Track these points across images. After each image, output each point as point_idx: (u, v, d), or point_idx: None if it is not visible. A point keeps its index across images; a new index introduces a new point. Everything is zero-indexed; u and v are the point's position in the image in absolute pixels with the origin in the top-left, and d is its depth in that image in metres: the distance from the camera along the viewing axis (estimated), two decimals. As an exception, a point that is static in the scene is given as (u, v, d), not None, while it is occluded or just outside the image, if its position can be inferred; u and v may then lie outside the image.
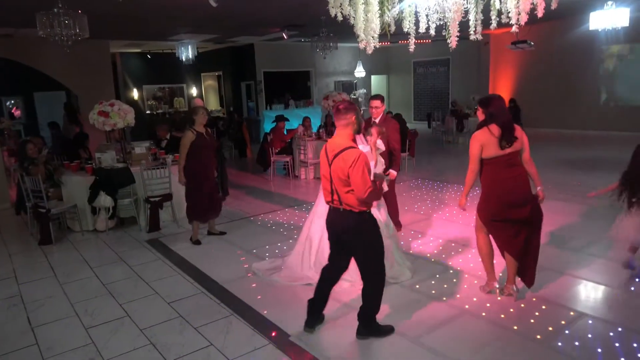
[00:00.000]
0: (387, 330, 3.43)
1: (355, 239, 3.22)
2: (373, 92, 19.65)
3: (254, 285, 4.38)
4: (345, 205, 3.17)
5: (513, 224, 3.65)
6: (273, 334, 3.49)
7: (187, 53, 13.60)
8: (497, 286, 3.95)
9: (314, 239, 4.32)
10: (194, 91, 18.21)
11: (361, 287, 3.37)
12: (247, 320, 3.71)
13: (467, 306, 3.78)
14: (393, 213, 5.23)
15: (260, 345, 3.35)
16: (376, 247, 3.26)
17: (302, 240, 4.47)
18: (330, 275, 3.46)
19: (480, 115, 3.68)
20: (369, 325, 3.38)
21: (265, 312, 3.82)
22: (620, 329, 3.34)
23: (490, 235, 3.83)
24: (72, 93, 12.76)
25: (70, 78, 12.03)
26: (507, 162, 3.59)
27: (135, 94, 16.76)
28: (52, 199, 6.24)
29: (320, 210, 4.24)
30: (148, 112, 16.98)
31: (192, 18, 9.98)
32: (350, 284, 4.10)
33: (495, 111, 3.58)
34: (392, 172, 4.73)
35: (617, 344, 3.17)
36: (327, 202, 3.34)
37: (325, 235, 3.61)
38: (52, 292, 4.47)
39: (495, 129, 3.54)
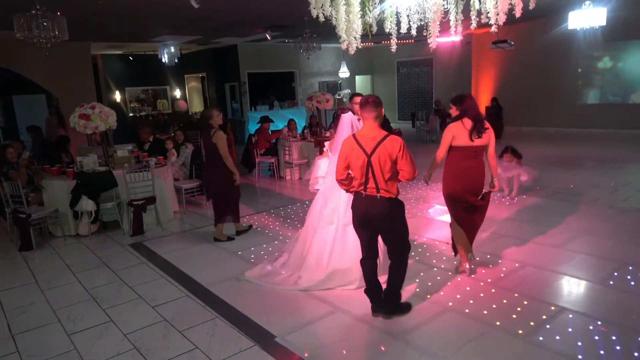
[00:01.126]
0: (407, 307, 3.74)
1: (391, 223, 3.49)
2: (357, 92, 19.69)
3: (238, 287, 4.37)
4: (384, 192, 3.38)
5: (467, 205, 4.21)
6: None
7: (169, 54, 13.50)
8: (468, 267, 4.36)
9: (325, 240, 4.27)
10: (177, 93, 18.08)
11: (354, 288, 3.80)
12: (232, 322, 3.70)
13: (450, 303, 3.83)
14: None
15: (246, 347, 3.35)
16: (405, 228, 3.59)
17: (307, 244, 4.42)
18: (370, 262, 3.62)
19: (454, 112, 4.21)
20: (397, 302, 3.66)
21: (250, 313, 3.81)
22: (599, 323, 3.41)
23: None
24: (53, 96, 12.56)
25: (50, 81, 11.84)
26: (473, 154, 4.13)
27: (117, 96, 16.57)
28: (32, 204, 6.15)
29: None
30: (131, 114, 16.81)
31: (174, 19, 9.91)
32: (342, 288, 4.12)
33: (467, 107, 4.12)
34: None
35: (596, 337, 3.23)
36: (357, 192, 3.48)
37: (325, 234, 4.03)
38: (33, 298, 4.39)
39: (467, 122, 4.07)
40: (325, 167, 4.48)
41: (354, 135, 3.51)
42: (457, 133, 4.10)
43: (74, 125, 6.31)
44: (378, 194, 3.39)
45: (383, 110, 3.52)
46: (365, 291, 3.71)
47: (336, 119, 7.39)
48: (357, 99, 5.42)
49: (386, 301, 3.65)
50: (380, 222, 3.47)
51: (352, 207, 3.57)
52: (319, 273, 4.15)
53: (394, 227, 3.52)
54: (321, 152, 6.87)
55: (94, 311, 4.06)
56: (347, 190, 3.61)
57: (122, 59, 16.54)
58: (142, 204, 6.10)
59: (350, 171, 3.52)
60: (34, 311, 4.13)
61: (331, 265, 4.12)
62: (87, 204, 5.93)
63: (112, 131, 8.98)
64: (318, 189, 4.49)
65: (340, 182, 3.59)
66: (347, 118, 4.25)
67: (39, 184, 6.29)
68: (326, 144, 4.59)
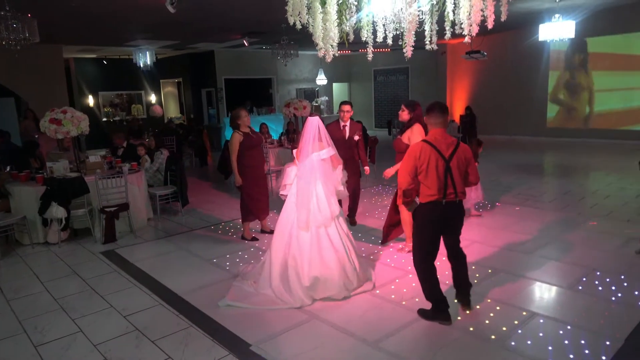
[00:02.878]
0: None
1: (461, 223, 3.67)
2: (335, 100, 19.83)
3: (213, 295, 4.30)
4: (461, 194, 3.49)
5: None
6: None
7: (145, 59, 13.32)
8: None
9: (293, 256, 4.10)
10: (152, 98, 17.82)
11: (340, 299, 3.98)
12: (206, 331, 3.64)
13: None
14: (354, 208, 6.31)
15: (220, 356, 3.30)
16: None
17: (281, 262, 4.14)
18: (433, 265, 3.64)
19: (407, 116, 4.75)
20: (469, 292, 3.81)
21: (224, 322, 3.76)
22: (569, 327, 3.49)
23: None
24: (22, 100, 12.21)
25: (19, 84, 11.53)
26: None
27: (90, 100, 16.24)
28: (-1, 211, 5.95)
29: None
30: (105, 119, 16.48)
31: (150, 24, 9.80)
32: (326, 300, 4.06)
33: (420, 114, 4.58)
34: (367, 168, 6.16)
35: (566, 342, 3.31)
36: (434, 201, 3.45)
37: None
38: (-2, 308, 4.24)
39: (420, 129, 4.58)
40: (293, 175, 4.33)
41: (427, 141, 3.48)
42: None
43: (44, 130, 6.15)
44: (457, 199, 3.47)
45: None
46: (438, 297, 3.60)
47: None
48: (345, 107, 5.81)
49: (467, 292, 3.78)
50: (458, 225, 3.63)
51: (425, 217, 3.52)
52: (302, 284, 3.99)
53: (461, 226, 3.69)
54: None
55: (62, 321, 3.93)
56: (408, 202, 3.56)
57: (95, 62, 16.22)
58: (115, 211, 5.97)
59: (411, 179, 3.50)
60: (-1, 322, 3.98)
61: (311, 273, 3.99)
62: (57, 211, 5.76)
63: (85, 136, 8.80)
64: (285, 194, 4.36)
65: (405, 192, 3.50)
66: (313, 122, 4.20)
67: (5, 189, 6.09)
68: (294, 151, 4.47)
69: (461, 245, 3.78)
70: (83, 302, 4.29)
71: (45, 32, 6.61)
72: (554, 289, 4.23)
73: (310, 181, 4.11)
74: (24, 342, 3.63)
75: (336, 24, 3.63)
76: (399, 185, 3.61)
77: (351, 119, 5.96)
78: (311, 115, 4.38)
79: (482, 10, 3.28)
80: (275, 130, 13.81)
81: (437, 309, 3.62)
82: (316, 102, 16.50)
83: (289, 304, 3.97)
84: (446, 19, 3.58)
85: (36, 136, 9.15)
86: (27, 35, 5.76)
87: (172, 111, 18.20)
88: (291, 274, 4.04)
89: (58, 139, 6.46)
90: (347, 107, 5.84)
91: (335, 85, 19.53)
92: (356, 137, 5.93)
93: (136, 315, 3.98)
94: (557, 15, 9.41)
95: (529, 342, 3.31)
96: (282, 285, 4.06)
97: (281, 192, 4.42)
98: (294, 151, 4.47)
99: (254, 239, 5.86)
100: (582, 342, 3.29)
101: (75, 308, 4.17)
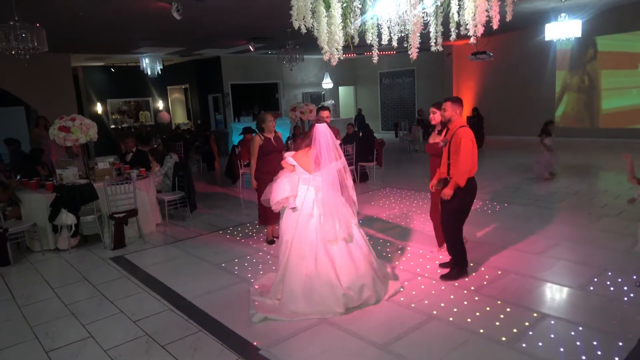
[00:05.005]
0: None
1: None
2: (341, 103, 19.86)
3: (222, 300, 4.32)
4: None
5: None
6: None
7: (152, 66, 13.44)
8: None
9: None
10: (160, 104, 17.97)
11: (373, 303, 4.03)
12: (216, 335, 3.65)
13: (435, 312, 3.84)
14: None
15: (230, 360, 3.30)
16: None
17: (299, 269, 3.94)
18: None
19: (439, 117, 4.70)
20: None
21: (234, 326, 3.76)
22: (580, 328, 3.45)
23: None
24: (32, 108, 12.36)
25: (29, 93, 11.68)
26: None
27: (99, 108, 16.41)
28: (10, 218, 6.01)
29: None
30: (113, 126, 16.63)
31: (156, 31, 9.89)
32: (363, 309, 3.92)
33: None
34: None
35: (578, 343, 3.27)
36: (472, 177, 4.26)
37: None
38: (9, 315, 4.27)
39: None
40: (288, 189, 4.03)
41: (466, 126, 4.24)
42: None
43: (53, 137, 6.22)
44: None
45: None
46: (465, 257, 4.46)
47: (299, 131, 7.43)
48: (325, 113, 5.76)
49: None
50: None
51: (471, 190, 4.28)
52: (336, 295, 3.83)
53: None
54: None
55: (73, 327, 3.96)
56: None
57: (103, 70, 16.40)
58: (124, 217, 6.01)
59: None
60: (11, 328, 4.02)
61: (348, 283, 3.85)
62: (66, 218, 5.81)
63: (94, 143, 8.88)
64: (295, 207, 4.02)
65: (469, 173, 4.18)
66: (324, 129, 3.99)
67: (16, 196, 6.16)
68: (289, 158, 4.11)
69: (469, 246, 3.81)
70: (93, 308, 4.32)
71: (53, 41, 6.69)
72: (565, 289, 4.18)
73: (335, 191, 3.96)
74: (36, 347, 3.66)
75: (341, 27, 3.64)
76: (468, 170, 4.14)
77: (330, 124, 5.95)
78: (317, 121, 4.29)
79: (487, 10, 3.27)
80: (283, 135, 13.84)
81: (464, 269, 4.46)
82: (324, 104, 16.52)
83: (317, 315, 3.82)
84: (451, 20, 3.58)
85: (42, 144, 9.23)
86: (35, 44, 5.83)
87: (180, 117, 18.32)
88: (324, 288, 3.82)
89: (67, 146, 6.52)
90: (326, 113, 5.73)
91: (341, 89, 19.56)
92: (337, 141, 5.86)
93: (146, 320, 4.00)
94: (563, 15, 9.37)
95: (540, 344, 3.28)
96: (305, 302, 3.85)
97: (290, 206, 4.03)
98: (287, 154, 4.17)
99: (271, 242, 5.84)
100: (595, 343, 3.26)
101: (85, 314, 4.20)
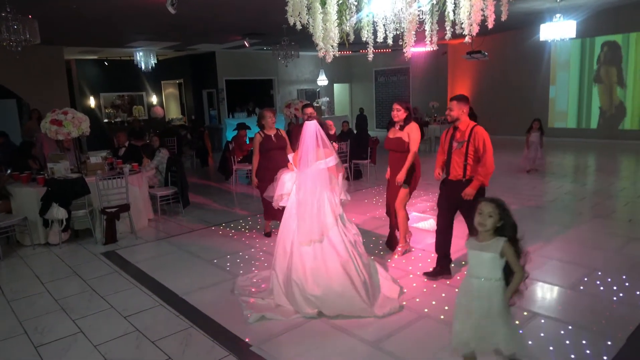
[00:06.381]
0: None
1: None
2: (336, 101, 19.85)
3: (213, 296, 4.31)
4: None
5: None
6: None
7: (146, 60, 13.35)
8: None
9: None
10: (154, 99, 17.85)
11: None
12: (207, 331, 3.64)
13: (426, 310, 3.85)
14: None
15: (221, 356, 3.29)
16: None
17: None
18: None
19: (403, 115, 4.77)
20: None
21: (225, 322, 3.75)
22: (570, 327, 3.47)
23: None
24: (24, 101, 12.25)
25: (21, 85, 11.56)
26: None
27: (92, 101, 16.26)
28: (0, 212, 5.95)
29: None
30: (106, 120, 16.50)
31: (151, 25, 9.81)
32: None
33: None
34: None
35: (567, 342, 3.29)
36: None
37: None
38: (-2, 309, 4.24)
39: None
40: (290, 184, 4.05)
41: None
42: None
43: (45, 130, 6.17)
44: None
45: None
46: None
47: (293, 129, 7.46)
48: (309, 110, 5.77)
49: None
50: None
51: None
52: (305, 296, 3.76)
53: None
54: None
55: (63, 322, 3.93)
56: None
57: (97, 64, 16.26)
58: (116, 212, 5.97)
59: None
60: (-1, 323, 3.99)
61: (317, 287, 3.72)
62: (58, 212, 5.76)
63: (86, 137, 8.82)
64: (284, 205, 4.10)
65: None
66: (311, 127, 3.91)
67: (6, 190, 6.10)
68: (289, 156, 4.20)
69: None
70: (83, 303, 4.29)
71: (46, 34, 6.62)
72: (555, 289, 4.21)
73: (313, 191, 3.84)
74: (25, 342, 3.63)
75: (336, 24, 3.62)
76: (491, 170, 4.22)
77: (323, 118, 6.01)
78: (308, 118, 4.26)
79: (482, 10, 3.27)
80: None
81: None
82: (317, 103, 16.50)
83: (299, 314, 3.78)
84: (446, 19, 3.58)
85: (34, 137, 9.15)
86: (27, 36, 5.77)
87: (173, 112, 18.23)
88: (294, 285, 3.80)
89: (58, 140, 6.46)
90: (310, 110, 5.74)
91: (336, 86, 19.55)
92: (332, 132, 6.12)
93: (137, 315, 3.98)
94: (558, 15, 9.41)
95: (530, 343, 3.30)
96: (285, 297, 3.89)
97: (280, 204, 4.13)
98: (290, 156, 4.26)
99: (268, 234, 5.96)
100: (584, 342, 3.28)
101: (75, 309, 4.17)
